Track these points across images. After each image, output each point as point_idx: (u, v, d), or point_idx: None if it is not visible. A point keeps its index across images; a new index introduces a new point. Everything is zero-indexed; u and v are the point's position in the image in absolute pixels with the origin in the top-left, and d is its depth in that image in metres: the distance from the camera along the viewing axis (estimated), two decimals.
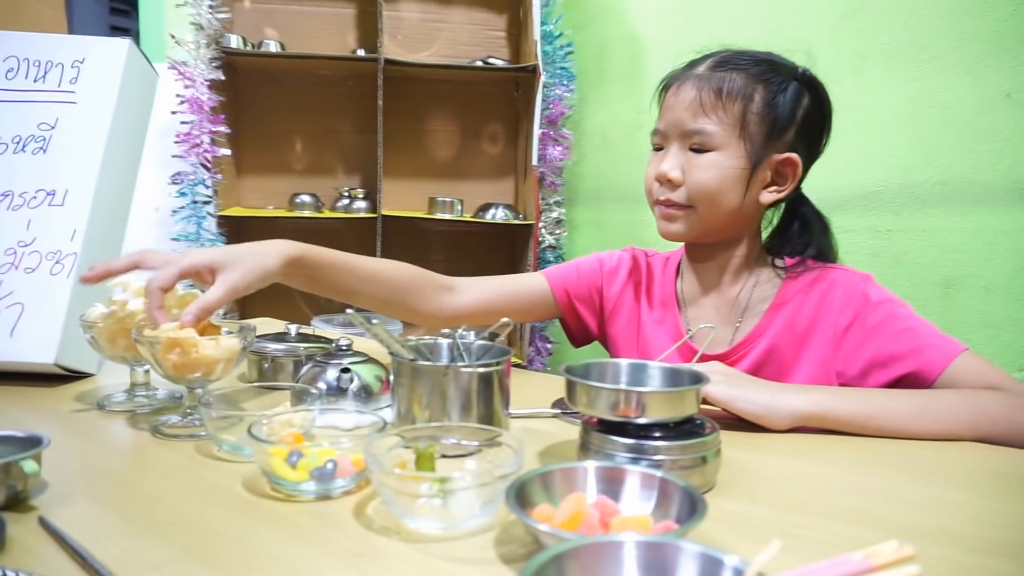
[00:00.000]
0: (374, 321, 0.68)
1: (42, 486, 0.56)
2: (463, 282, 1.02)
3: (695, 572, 0.38)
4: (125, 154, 1.09)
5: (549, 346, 2.23)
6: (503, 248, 2.36)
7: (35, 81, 1.06)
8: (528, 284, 1.05)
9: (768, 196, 0.90)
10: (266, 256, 0.82)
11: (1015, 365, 1.40)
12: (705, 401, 0.75)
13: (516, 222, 2.14)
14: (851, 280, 0.90)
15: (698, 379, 0.63)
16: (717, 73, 0.88)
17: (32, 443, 0.56)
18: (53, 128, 1.03)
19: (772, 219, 0.97)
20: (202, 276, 0.78)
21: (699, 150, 0.88)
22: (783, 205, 0.96)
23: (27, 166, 1.01)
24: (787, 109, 0.88)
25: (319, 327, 1.96)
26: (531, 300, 1.04)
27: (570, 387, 0.63)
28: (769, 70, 0.89)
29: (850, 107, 1.58)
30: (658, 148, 0.93)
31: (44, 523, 0.50)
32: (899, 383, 0.83)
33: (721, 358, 0.92)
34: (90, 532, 0.49)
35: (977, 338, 1.45)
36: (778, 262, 0.95)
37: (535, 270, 2.09)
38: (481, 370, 0.67)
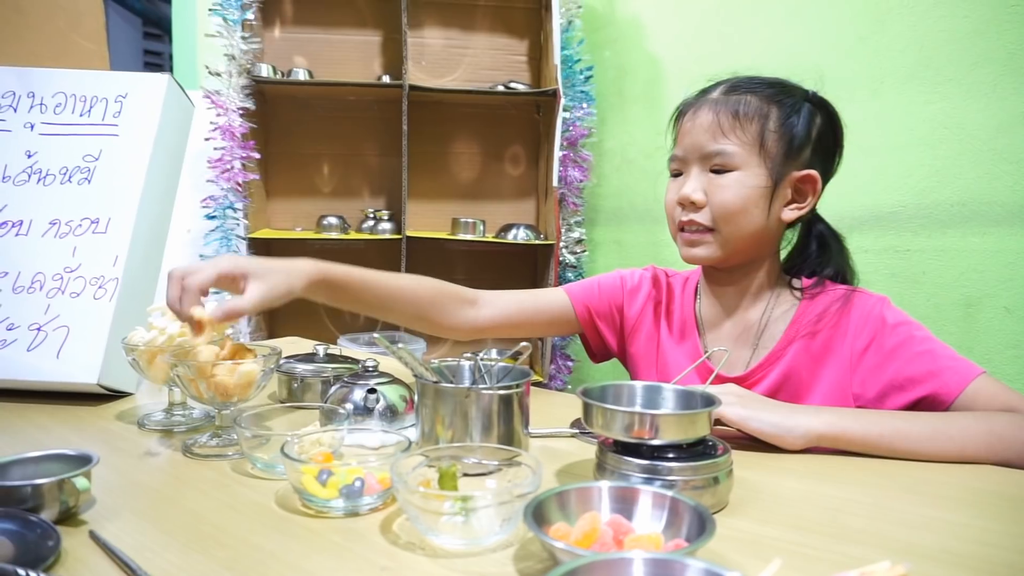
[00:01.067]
0: (399, 345, 0.71)
1: (91, 501, 0.60)
2: (486, 295, 1.04)
3: None
4: (163, 183, 1.14)
5: (570, 363, 2.25)
6: (525, 268, 2.40)
7: (81, 115, 1.12)
8: (549, 300, 1.07)
9: (790, 214, 0.92)
10: (292, 275, 0.85)
11: None
12: (720, 422, 0.77)
13: (537, 242, 2.18)
14: (868, 302, 0.91)
15: (710, 402, 0.66)
16: (732, 96, 0.91)
17: (82, 461, 0.60)
18: (97, 160, 1.09)
19: (791, 239, 0.99)
20: (236, 281, 0.82)
21: (720, 171, 0.90)
22: (799, 226, 0.97)
23: (73, 196, 1.07)
24: (802, 128, 0.90)
25: (345, 347, 2.00)
26: (552, 316, 1.06)
27: (587, 409, 0.66)
28: (781, 92, 0.92)
29: (867, 128, 1.59)
30: (676, 174, 0.95)
31: (94, 537, 0.54)
32: (916, 406, 0.84)
33: (738, 381, 0.93)
34: (136, 545, 0.53)
35: (999, 359, 1.44)
36: (796, 283, 0.97)
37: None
38: (501, 392, 0.70)
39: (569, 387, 2.24)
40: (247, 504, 0.62)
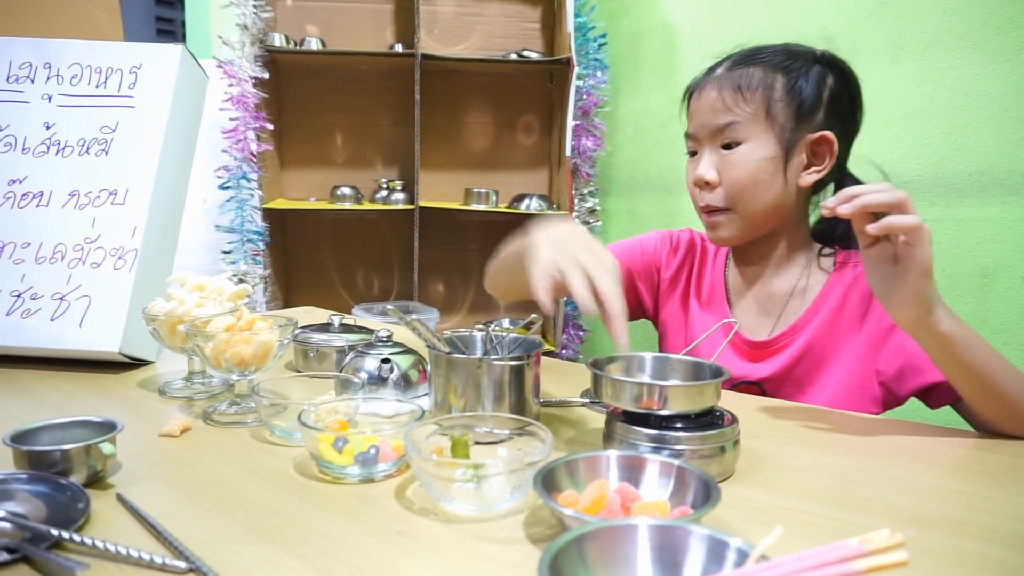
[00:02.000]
0: (412, 317, 0.73)
1: (117, 466, 0.62)
2: None
3: (703, 553, 0.41)
4: (179, 154, 1.15)
5: (582, 333, 2.26)
6: None
7: (97, 87, 1.13)
8: None
9: (808, 178, 0.91)
10: None
11: None
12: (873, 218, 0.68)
13: (550, 212, 2.17)
14: None
15: (718, 373, 0.66)
16: (736, 71, 0.91)
17: (108, 427, 0.62)
18: (114, 131, 1.10)
19: (820, 202, 0.97)
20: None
21: (729, 145, 0.90)
22: (831, 188, 0.95)
23: (91, 167, 1.08)
24: (811, 91, 0.89)
25: (360, 316, 2.03)
26: None
27: (596, 380, 0.67)
28: (787, 59, 0.90)
29: (886, 96, 1.56)
30: (693, 153, 0.96)
31: (122, 499, 0.56)
32: (930, 392, 0.84)
33: (758, 347, 0.95)
34: (162, 508, 0.55)
35: (1014, 329, 1.43)
36: (825, 251, 0.96)
37: None
38: (512, 363, 0.71)
39: (581, 356, 2.26)
40: (266, 470, 0.64)
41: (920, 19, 1.52)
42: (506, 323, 2.31)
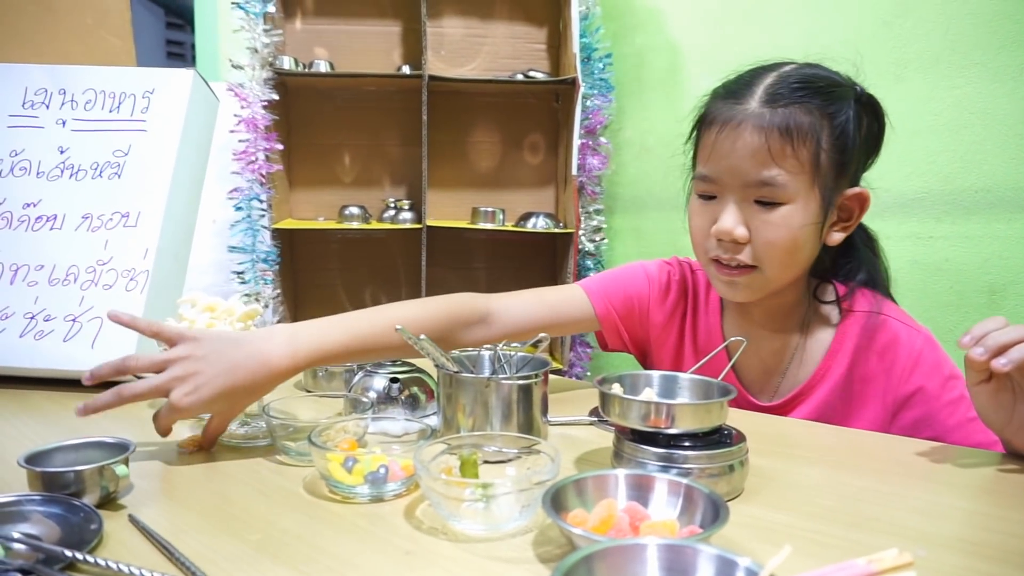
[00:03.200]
0: (421, 337, 0.73)
1: (129, 487, 0.63)
2: (496, 308, 0.92)
3: (712, 573, 0.41)
4: (190, 176, 1.17)
5: (589, 351, 2.26)
6: (544, 255, 2.41)
7: (110, 111, 1.15)
8: (566, 305, 0.97)
9: (836, 236, 0.83)
10: (258, 390, 0.73)
11: None
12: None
13: (556, 231, 2.18)
14: (914, 342, 0.84)
15: (726, 392, 0.67)
16: (777, 111, 0.77)
17: (121, 448, 0.63)
18: (126, 155, 1.12)
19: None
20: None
21: (767, 203, 0.78)
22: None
23: (104, 190, 1.10)
24: (853, 139, 0.79)
25: None
26: (569, 320, 0.98)
27: (603, 399, 0.67)
28: (830, 99, 0.79)
29: (890, 114, 1.56)
30: (707, 196, 0.83)
31: (133, 520, 0.56)
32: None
33: (768, 410, 0.90)
34: (173, 528, 0.55)
35: None
36: (826, 294, 0.90)
37: (575, 277, 2.13)
38: (520, 382, 0.72)
39: (589, 374, 2.25)
40: (276, 490, 0.65)
41: (924, 38, 1.54)
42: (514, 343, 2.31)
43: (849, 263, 0.91)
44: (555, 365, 2.25)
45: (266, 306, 1.97)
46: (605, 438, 0.79)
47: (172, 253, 1.11)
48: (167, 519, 0.57)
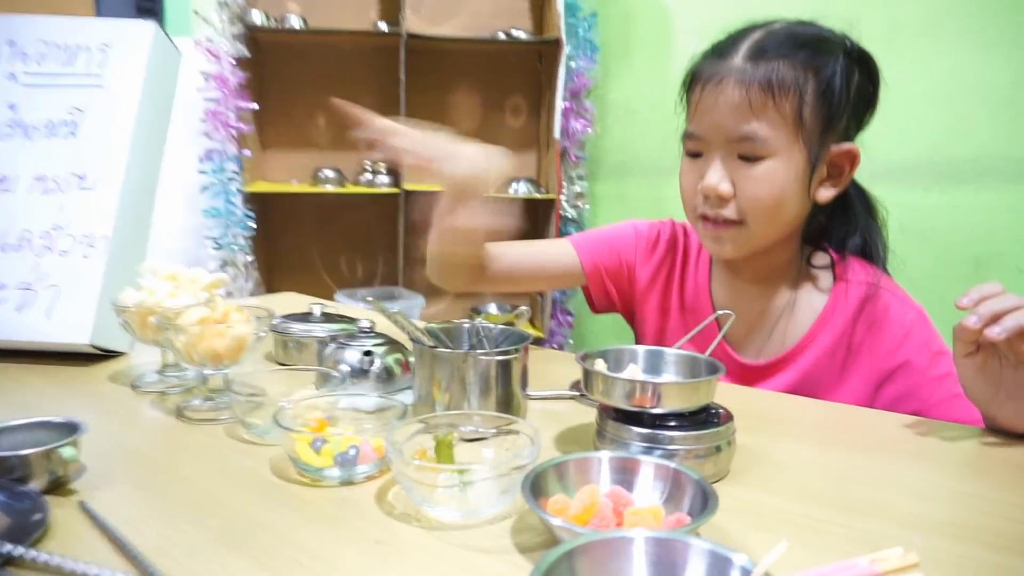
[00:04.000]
0: (394, 308, 0.69)
1: (81, 469, 0.59)
2: (493, 253, 0.95)
3: (703, 569, 0.39)
4: (152, 137, 1.10)
5: (570, 318, 2.24)
6: (526, 221, 2.36)
7: (63, 66, 1.08)
8: (555, 254, 1.00)
9: (825, 193, 0.81)
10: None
11: None
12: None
13: (538, 196, 2.14)
14: (906, 316, 0.83)
15: (715, 369, 0.64)
16: (760, 65, 0.76)
17: (70, 429, 0.59)
18: (82, 112, 1.05)
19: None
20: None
21: (750, 158, 0.78)
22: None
23: (59, 151, 1.03)
24: (841, 93, 0.77)
25: (341, 302, 1.99)
26: (557, 271, 1.00)
27: (586, 375, 0.64)
28: (816, 52, 0.77)
29: (882, 81, 1.53)
30: (694, 154, 0.83)
31: (85, 508, 0.53)
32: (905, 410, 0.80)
33: (752, 371, 0.89)
34: (128, 516, 0.52)
35: None
36: (819, 259, 0.88)
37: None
38: (499, 358, 0.68)
39: (570, 342, 2.23)
40: (241, 471, 0.61)
41: (918, 3, 1.49)
42: (493, 307, 2.28)
43: (845, 227, 0.89)
44: (535, 335, 2.23)
45: (237, 276, 1.91)
46: (587, 413, 0.76)
47: (133, 218, 1.05)
48: (122, 505, 0.54)
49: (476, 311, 2.29)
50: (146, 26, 1.09)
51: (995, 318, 0.64)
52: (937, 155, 1.49)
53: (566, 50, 1.99)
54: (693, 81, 0.83)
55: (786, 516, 0.54)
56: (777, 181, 0.78)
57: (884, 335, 0.84)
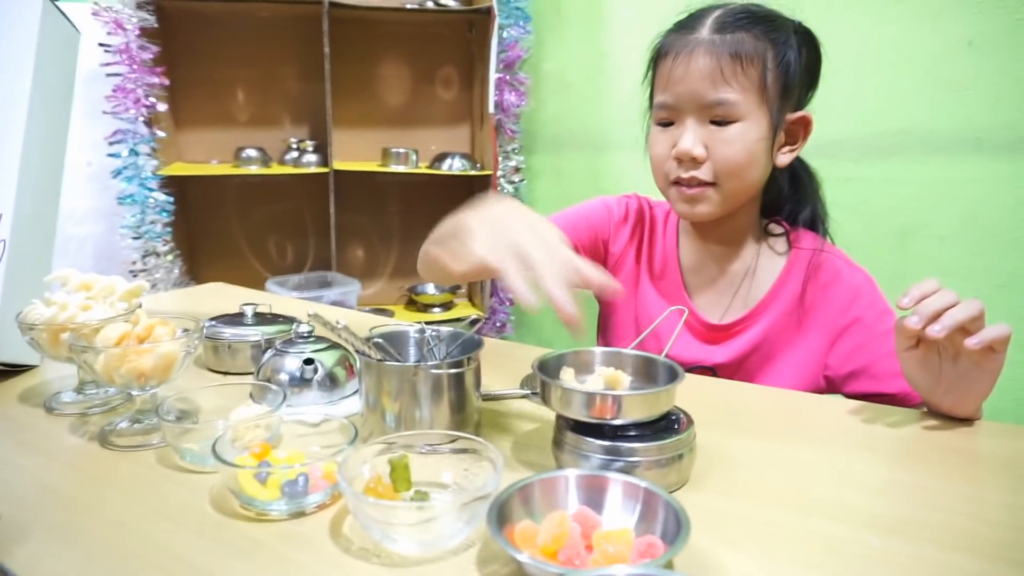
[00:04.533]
0: (339, 323, 0.65)
1: None
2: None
3: None
4: (50, 124, 1.00)
5: (512, 295, 2.22)
6: (460, 198, 2.30)
7: None
8: None
9: (784, 158, 0.88)
10: None
11: None
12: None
13: (473, 172, 2.09)
14: (855, 278, 0.90)
15: (674, 374, 0.63)
16: (726, 37, 0.83)
17: None
18: None
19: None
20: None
21: (721, 122, 0.84)
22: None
23: None
24: (795, 66, 0.85)
25: (274, 293, 1.90)
26: None
27: (543, 386, 0.62)
28: (773, 27, 0.85)
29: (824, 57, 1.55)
30: (666, 123, 0.88)
31: (2, 570, 0.47)
32: (880, 398, 0.84)
33: (716, 330, 0.93)
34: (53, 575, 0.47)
35: None
36: (774, 228, 0.95)
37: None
38: (452, 371, 0.65)
39: (512, 318, 2.22)
40: (178, 508, 0.56)
41: None
42: (431, 288, 2.22)
43: (797, 196, 0.96)
44: (474, 313, 2.20)
45: (162, 264, 1.79)
46: (540, 412, 0.74)
47: (33, 217, 0.95)
48: (44, 563, 0.49)
49: (412, 291, 2.24)
50: (32, 2, 0.98)
51: (935, 316, 0.67)
52: (867, 128, 1.52)
53: (498, 20, 1.92)
54: (660, 56, 0.88)
55: (748, 522, 0.54)
56: (746, 142, 0.84)
57: (836, 295, 0.90)
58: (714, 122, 0.84)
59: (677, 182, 0.88)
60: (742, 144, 0.84)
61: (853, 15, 1.51)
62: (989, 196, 1.38)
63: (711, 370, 0.93)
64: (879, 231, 1.53)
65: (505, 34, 1.99)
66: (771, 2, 0.88)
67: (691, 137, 0.84)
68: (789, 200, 0.96)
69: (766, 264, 0.94)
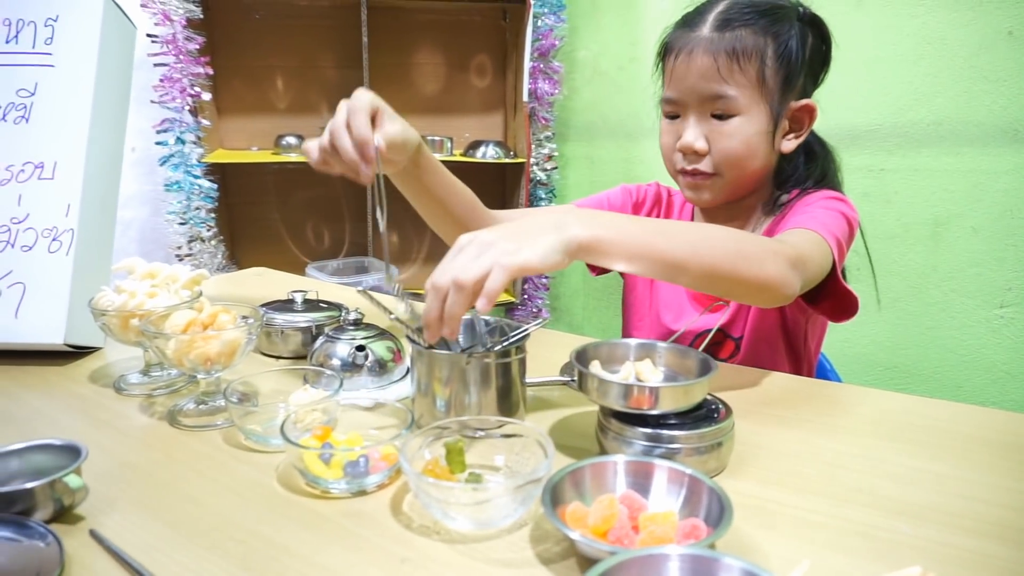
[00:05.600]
0: (391, 316, 0.69)
1: (84, 494, 0.58)
2: (499, 216, 1.00)
3: None
4: (111, 118, 1.05)
5: (545, 280, 2.24)
6: (494, 185, 2.34)
7: (7, 42, 1.01)
8: None
9: (788, 144, 0.92)
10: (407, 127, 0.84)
11: (995, 302, 1.45)
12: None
13: (507, 160, 2.11)
14: (816, 196, 0.90)
15: (707, 367, 0.65)
16: (725, 35, 0.87)
17: (71, 452, 0.57)
18: (33, 95, 0.99)
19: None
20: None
21: (722, 116, 0.88)
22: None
23: (10, 137, 0.97)
24: (797, 55, 0.88)
25: (313, 275, 1.95)
26: None
27: (581, 377, 0.65)
28: (774, 20, 0.88)
29: (848, 44, 1.54)
30: (672, 116, 0.93)
31: (96, 536, 0.52)
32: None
33: (716, 297, 0.94)
34: (141, 544, 0.51)
35: (962, 276, 1.49)
36: (783, 199, 0.97)
37: (528, 207, 2.08)
38: (501, 361, 0.69)
39: (547, 303, 2.24)
40: (248, 485, 0.61)
41: None
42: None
43: (810, 168, 0.98)
44: (507, 298, 2.23)
45: (205, 251, 1.84)
46: (580, 399, 0.77)
47: (99, 207, 1.00)
48: (133, 532, 0.53)
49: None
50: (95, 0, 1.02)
51: None
52: (901, 118, 1.51)
53: (533, 8, 1.93)
54: (667, 52, 0.93)
55: (786, 510, 0.57)
56: (745, 135, 0.88)
57: (792, 208, 0.91)
58: (715, 116, 0.88)
59: (683, 171, 0.93)
60: (741, 137, 0.88)
61: (892, 5, 1.50)
62: None
63: (720, 331, 0.96)
64: (912, 222, 1.53)
65: (540, 23, 1.99)
66: None
67: (693, 132, 0.89)
68: (801, 173, 0.97)
69: (761, 230, 0.97)
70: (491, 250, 0.62)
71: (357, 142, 0.76)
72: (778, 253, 0.72)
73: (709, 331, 0.95)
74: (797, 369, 0.98)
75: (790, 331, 0.97)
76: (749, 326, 0.96)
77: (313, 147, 0.79)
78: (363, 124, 0.76)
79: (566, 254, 0.64)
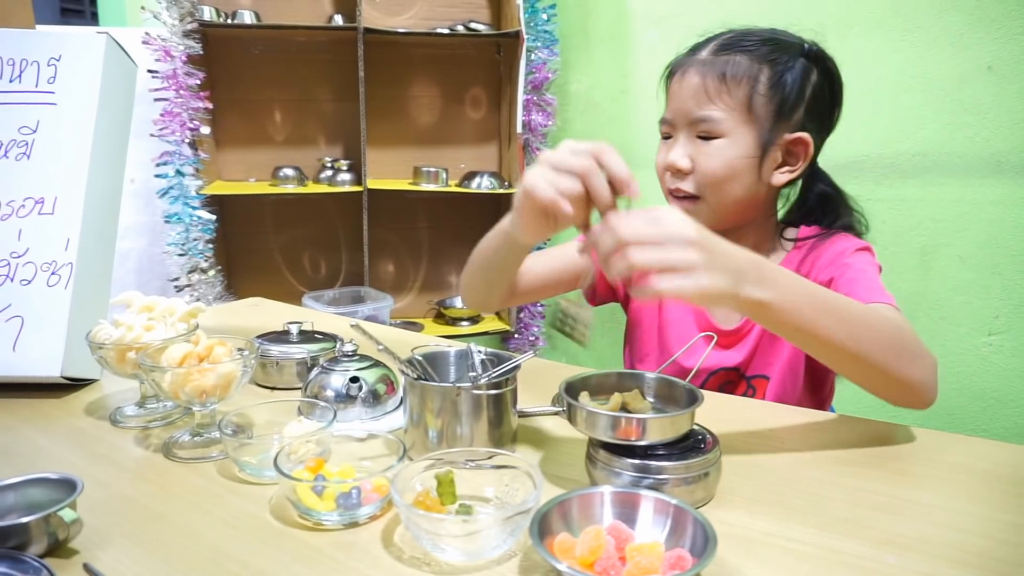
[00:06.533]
0: (380, 347, 0.70)
1: (79, 527, 0.59)
2: (524, 264, 1.00)
3: None
4: (111, 154, 1.07)
5: (540, 308, 2.25)
6: (488, 216, 2.36)
7: (11, 81, 1.03)
8: (574, 260, 1.05)
9: (780, 177, 0.90)
10: None
11: (984, 330, 1.47)
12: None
13: (502, 191, 2.14)
14: (846, 242, 0.91)
15: (694, 397, 0.67)
16: (721, 57, 0.88)
17: (67, 486, 0.58)
18: (35, 132, 1.01)
19: (789, 195, 0.98)
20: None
21: (707, 137, 0.88)
22: (799, 182, 0.96)
23: (12, 173, 0.99)
24: (795, 88, 0.87)
25: (309, 306, 1.97)
26: (575, 275, 1.06)
27: (570, 409, 0.66)
28: (775, 49, 0.88)
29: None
30: (667, 137, 0.94)
31: (90, 571, 0.53)
32: None
33: (733, 334, 0.96)
34: None
35: (950, 304, 1.50)
36: (789, 233, 0.96)
37: None
38: (492, 392, 0.70)
39: (543, 331, 2.25)
40: (242, 517, 0.62)
41: (868, 0, 1.54)
42: (458, 302, 2.27)
43: (826, 217, 0.96)
44: (502, 326, 2.24)
45: (203, 280, 1.86)
46: (570, 430, 0.78)
47: (97, 241, 1.02)
48: (126, 566, 0.54)
49: (441, 304, 2.30)
50: (98, 39, 1.05)
51: None
52: (887, 149, 1.55)
53: (526, 42, 1.98)
54: (669, 74, 0.95)
55: (772, 540, 0.58)
56: (727, 157, 0.87)
57: (821, 256, 0.91)
58: (701, 136, 0.89)
59: (672, 192, 0.93)
60: (722, 159, 0.87)
61: (874, 40, 1.54)
62: (1009, 217, 1.40)
63: (735, 370, 0.96)
64: (900, 251, 1.55)
65: (533, 56, 2.04)
66: (793, 27, 0.92)
67: (679, 150, 0.90)
68: (818, 215, 0.97)
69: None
70: (689, 251, 0.64)
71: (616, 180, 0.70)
72: (926, 357, 0.73)
73: (720, 369, 0.96)
74: (819, 405, 0.97)
75: (816, 372, 0.95)
76: (779, 366, 0.94)
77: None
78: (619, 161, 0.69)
79: (735, 307, 0.65)
